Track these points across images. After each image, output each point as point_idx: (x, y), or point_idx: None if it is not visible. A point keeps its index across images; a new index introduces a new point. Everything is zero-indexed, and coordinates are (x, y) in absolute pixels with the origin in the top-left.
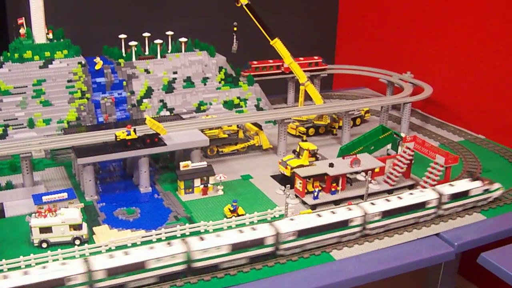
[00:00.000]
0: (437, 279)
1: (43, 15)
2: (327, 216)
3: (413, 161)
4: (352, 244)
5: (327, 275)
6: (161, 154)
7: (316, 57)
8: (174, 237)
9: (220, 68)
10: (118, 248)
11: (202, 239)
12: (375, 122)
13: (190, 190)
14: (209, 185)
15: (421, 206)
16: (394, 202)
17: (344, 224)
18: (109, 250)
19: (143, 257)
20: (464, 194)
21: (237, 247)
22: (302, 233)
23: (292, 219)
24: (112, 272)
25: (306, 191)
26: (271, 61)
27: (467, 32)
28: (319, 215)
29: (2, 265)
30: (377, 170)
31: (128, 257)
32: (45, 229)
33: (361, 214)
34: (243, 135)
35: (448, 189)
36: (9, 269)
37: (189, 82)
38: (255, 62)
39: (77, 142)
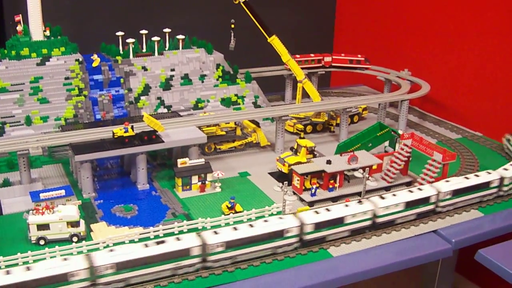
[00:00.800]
0: (434, 276)
1: (40, 12)
2: (474, 179)
3: (410, 158)
4: (350, 241)
5: (325, 272)
6: (159, 151)
7: (359, 55)
8: (172, 234)
9: (218, 66)
10: (116, 245)
11: (382, 198)
12: (372, 119)
13: (188, 187)
14: (206, 182)
15: None
16: None
17: (486, 185)
18: (107, 247)
19: (342, 213)
20: None
21: (409, 205)
22: (456, 193)
23: (447, 181)
24: (319, 226)
25: (303, 188)
26: (312, 55)
27: (464, 30)
28: (467, 177)
29: None
30: (374, 167)
31: (331, 213)
32: (43, 226)
33: (498, 177)
34: (240, 132)
35: None
36: (6, 266)
37: (186, 79)
38: (297, 56)
39: (74, 139)
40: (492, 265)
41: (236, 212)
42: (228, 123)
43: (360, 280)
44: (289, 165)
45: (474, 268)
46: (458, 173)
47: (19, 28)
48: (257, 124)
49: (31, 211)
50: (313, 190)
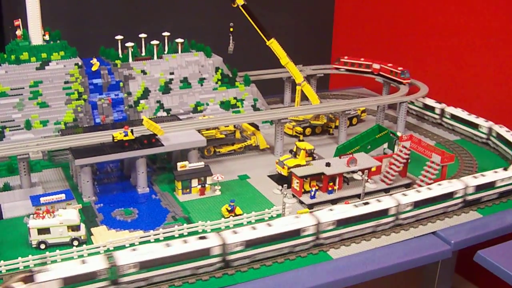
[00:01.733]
0: (434, 277)
1: (39, 17)
2: None
3: (409, 160)
4: (350, 243)
5: (325, 274)
6: (159, 155)
7: (400, 68)
8: (172, 237)
9: (217, 69)
10: (117, 248)
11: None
12: (371, 121)
13: (188, 190)
14: (206, 185)
15: None
16: None
17: None
18: (107, 251)
19: (494, 177)
20: None
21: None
22: None
23: None
24: (478, 189)
25: (303, 190)
26: (362, 59)
27: (463, 32)
28: None
29: (0, 266)
30: (373, 169)
31: (486, 178)
32: (43, 230)
33: None
34: (240, 135)
35: None
36: (7, 271)
37: (185, 82)
38: (345, 57)
39: (74, 143)
40: (491, 266)
41: (236, 215)
42: (228, 126)
43: (360, 282)
44: (289, 168)
45: (473, 269)
46: (456, 174)
47: (19, 32)
48: (256, 127)
49: (31, 215)
50: (312, 193)
